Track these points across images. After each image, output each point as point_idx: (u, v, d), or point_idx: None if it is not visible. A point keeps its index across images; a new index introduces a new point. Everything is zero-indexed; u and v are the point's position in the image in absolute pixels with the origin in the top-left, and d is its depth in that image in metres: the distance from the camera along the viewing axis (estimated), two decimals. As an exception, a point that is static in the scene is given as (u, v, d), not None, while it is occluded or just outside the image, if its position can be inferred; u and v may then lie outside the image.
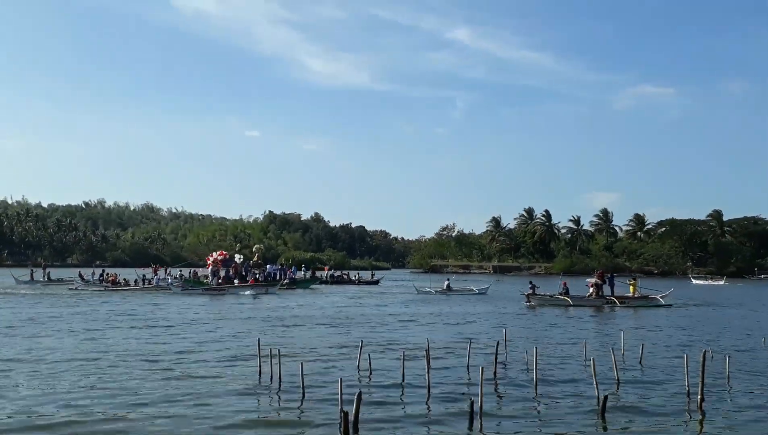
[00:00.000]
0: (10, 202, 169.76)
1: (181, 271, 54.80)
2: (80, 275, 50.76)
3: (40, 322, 23.89)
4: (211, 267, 47.87)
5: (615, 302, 34.88)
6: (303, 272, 58.86)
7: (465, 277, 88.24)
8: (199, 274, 51.93)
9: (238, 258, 50.57)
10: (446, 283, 49.88)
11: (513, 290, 38.27)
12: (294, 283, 52.65)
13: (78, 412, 10.42)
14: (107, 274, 50.22)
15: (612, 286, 37.31)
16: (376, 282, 65.20)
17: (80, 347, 17.53)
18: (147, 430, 9.59)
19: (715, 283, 75.06)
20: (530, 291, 37.34)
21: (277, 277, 50.76)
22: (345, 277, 67.18)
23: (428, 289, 47.77)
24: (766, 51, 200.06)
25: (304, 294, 46.23)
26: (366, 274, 74.72)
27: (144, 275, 50.47)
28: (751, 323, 28.08)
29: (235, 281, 46.10)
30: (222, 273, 47.68)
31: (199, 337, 20.17)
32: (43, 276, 54.39)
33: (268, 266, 55.38)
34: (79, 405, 10.92)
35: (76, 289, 46.12)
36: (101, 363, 14.94)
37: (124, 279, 48.33)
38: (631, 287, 37.69)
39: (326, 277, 64.66)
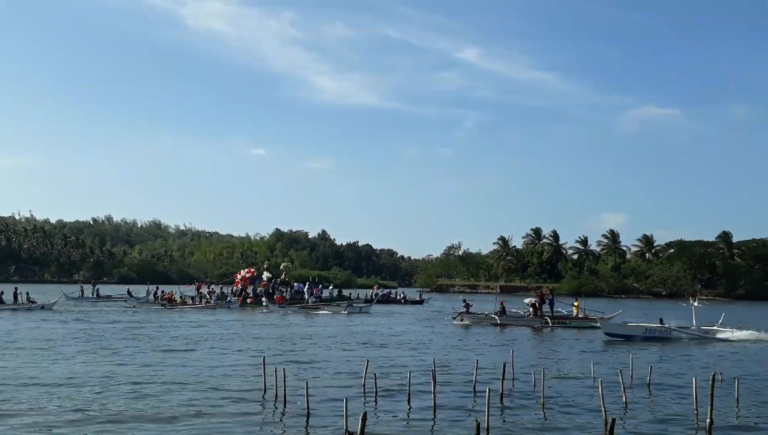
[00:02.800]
0: (17, 217, 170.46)
1: (212, 287, 54.98)
2: (129, 292, 50.78)
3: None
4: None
5: (548, 322, 34.86)
6: (330, 290, 58.31)
7: (473, 296, 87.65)
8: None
9: (266, 276, 50.92)
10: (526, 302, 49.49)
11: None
12: (322, 301, 50.78)
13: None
14: (162, 291, 49.62)
15: (552, 306, 37.23)
16: (422, 302, 65.45)
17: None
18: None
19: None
20: (464, 309, 37.20)
21: (305, 295, 49.99)
22: (391, 296, 67.76)
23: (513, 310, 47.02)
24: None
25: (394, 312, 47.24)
26: (410, 293, 75.64)
27: (200, 292, 50.06)
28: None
29: (263, 299, 46.24)
30: (250, 290, 47.91)
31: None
32: (93, 293, 53.69)
33: (295, 284, 55.12)
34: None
35: (134, 307, 45.11)
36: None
37: (181, 297, 47.89)
38: (575, 308, 37.76)
39: (372, 296, 64.88)
